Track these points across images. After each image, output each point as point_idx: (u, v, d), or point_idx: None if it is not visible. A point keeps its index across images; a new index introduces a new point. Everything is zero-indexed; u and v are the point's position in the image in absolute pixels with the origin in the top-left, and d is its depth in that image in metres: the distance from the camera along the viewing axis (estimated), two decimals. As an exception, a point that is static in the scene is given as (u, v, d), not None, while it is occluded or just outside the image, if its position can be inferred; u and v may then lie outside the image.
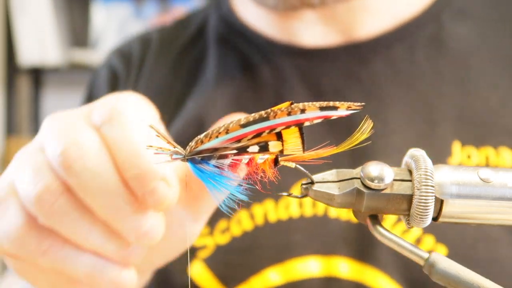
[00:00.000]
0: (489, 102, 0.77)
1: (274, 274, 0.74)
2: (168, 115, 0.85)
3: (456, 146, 0.75)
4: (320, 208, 0.75)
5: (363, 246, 0.73)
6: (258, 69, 0.84)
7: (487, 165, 0.74)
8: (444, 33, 0.82)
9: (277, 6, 0.81)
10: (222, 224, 0.76)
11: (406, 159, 0.45)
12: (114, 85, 0.93)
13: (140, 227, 0.47)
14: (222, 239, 0.76)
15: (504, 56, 0.81)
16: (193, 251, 0.77)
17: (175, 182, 0.48)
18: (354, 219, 0.73)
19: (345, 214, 0.75)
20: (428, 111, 0.78)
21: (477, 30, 0.82)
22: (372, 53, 0.81)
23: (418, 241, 0.72)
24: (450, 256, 0.70)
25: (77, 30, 2.36)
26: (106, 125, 0.49)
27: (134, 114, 0.50)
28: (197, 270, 0.75)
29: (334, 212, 0.75)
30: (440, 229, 0.72)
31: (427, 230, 0.72)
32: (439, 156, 0.74)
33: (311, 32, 0.83)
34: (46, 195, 0.48)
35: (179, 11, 2.31)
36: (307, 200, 0.75)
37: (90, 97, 0.95)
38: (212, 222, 0.76)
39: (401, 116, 0.78)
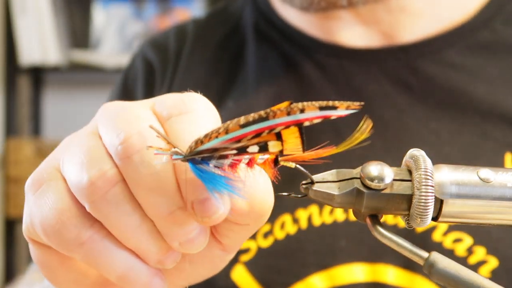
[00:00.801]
0: None
1: (318, 280, 0.72)
2: None
3: (509, 158, 0.73)
4: None
5: None
6: (301, 67, 0.82)
7: None
8: (497, 38, 0.79)
9: (303, 6, 0.78)
10: (265, 227, 0.75)
11: (406, 159, 0.45)
12: (151, 78, 0.90)
13: (186, 233, 0.44)
14: (264, 242, 0.74)
15: None
16: (235, 255, 0.75)
17: (228, 200, 0.43)
18: (401, 224, 0.72)
19: (391, 219, 0.72)
20: (480, 120, 0.75)
21: None
22: (421, 57, 0.79)
23: (470, 251, 0.71)
24: (501, 267, 0.69)
25: (77, 31, 2.36)
26: (174, 119, 0.45)
27: (204, 111, 0.46)
28: (239, 273, 0.74)
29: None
30: (492, 240, 0.71)
31: (478, 241, 0.71)
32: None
33: (352, 32, 0.80)
34: (100, 181, 0.43)
35: (179, 11, 2.31)
36: None
37: (125, 88, 0.92)
38: None
39: (452, 125, 0.75)
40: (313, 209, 0.74)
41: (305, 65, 0.82)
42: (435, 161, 0.74)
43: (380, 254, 0.72)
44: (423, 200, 0.42)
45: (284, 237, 0.74)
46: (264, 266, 0.74)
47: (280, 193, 0.45)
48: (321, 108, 0.36)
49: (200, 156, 0.39)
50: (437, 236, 0.72)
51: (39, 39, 2.22)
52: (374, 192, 0.43)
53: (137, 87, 0.90)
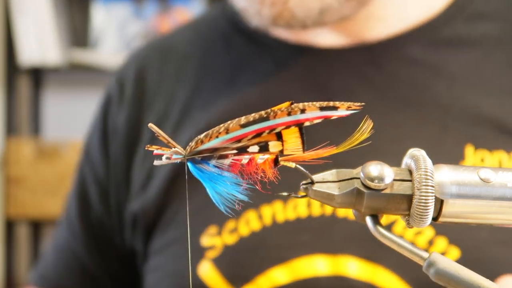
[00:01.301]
0: (504, 106, 0.77)
1: (280, 273, 0.74)
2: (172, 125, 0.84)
3: (469, 150, 0.75)
4: (329, 208, 0.75)
5: (373, 246, 0.71)
6: (269, 69, 0.83)
7: None
8: (458, 35, 0.80)
9: (290, 26, 0.79)
10: (230, 224, 0.76)
11: (406, 159, 0.45)
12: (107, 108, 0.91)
13: None
14: (230, 239, 0.76)
15: None
16: (201, 251, 0.76)
17: None
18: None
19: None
20: (441, 114, 0.77)
21: (495, 33, 0.81)
22: (385, 54, 0.80)
23: (430, 243, 0.72)
24: (463, 258, 0.70)
25: (77, 30, 2.36)
26: None
27: None
28: (205, 270, 0.75)
29: (343, 212, 0.74)
30: (454, 230, 0.72)
31: (440, 231, 0.72)
32: (452, 160, 0.73)
33: (319, 33, 0.82)
34: None
35: (179, 11, 2.31)
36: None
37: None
38: (220, 222, 0.76)
39: (414, 119, 0.77)
40: (277, 205, 0.75)
41: (272, 66, 0.83)
42: (395, 154, 0.75)
43: (342, 246, 0.73)
44: (423, 200, 0.42)
45: (249, 234, 0.75)
46: (229, 263, 0.75)
47: (280, 193, 0.45)
48: (322, 109, 0.36)
49: (200, 156, 0.39)
50: (398, 229, 0.73)
51: (38, 39, 2.22)
52: (374, 192, 0.43)
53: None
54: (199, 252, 0.76)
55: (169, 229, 0.81)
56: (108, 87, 0.92)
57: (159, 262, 0.81)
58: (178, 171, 0.80)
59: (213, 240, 0.76)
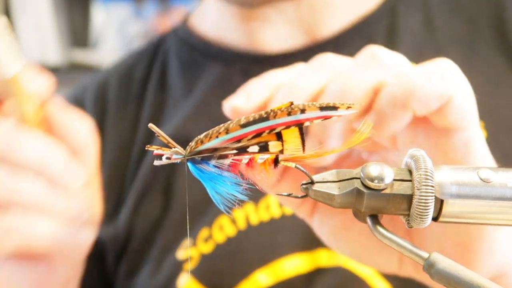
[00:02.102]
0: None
1: (263, 275, 0.75)
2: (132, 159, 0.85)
3: None
4: None
5: None
6: (227, 80, 0.84)
7: None
8: (398, 24, 0.84)
9: (240, 2, 0.81)
10: (204, 232, 0.77)
11: (406, 159, 0.45)
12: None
13: None
14: (206, 247, 0.76)
15: (456, 41, 0.83)
16: (178, 265, 0.77)
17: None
18: None
19: None
20: None
21: (428, 19, 0.85)
22: (335, 49, 0.82)
23: None
24: None
25: (77, 30, 2.36)
26: None
27: None
28: (185, 283, 0.76)
29: None
30: None
31: None
32: None
33: (275, 35, 0.83)
34: None
35: (179, 11, 2.31)
36: None
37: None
38: (193, 232, 0.77)
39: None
40: (249, 207, 0.76)
41: (231, 77, 0.84)
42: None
43: (316, 240, 0.74)
44: (423, 200, 0.42)
45: (225, 241, 0.76)
46: (209, 271, 0.76)
47: (280, 193, 0.45)
48: (322, 109, 0.36)
49: (200, 156, 0.39)
50: None
51: (38, 39, 2.22)
52: (374, 192, 0.43)
53: None
54: (176, 267, 0.77)
55: (143, 249, 0.81)
56: None
57: (141, 281, 0.81)
58: (144, 193, 0.81)
59: (188, 252, 0.77)
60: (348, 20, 0.84)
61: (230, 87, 0.84)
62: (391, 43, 0.83)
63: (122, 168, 0.85)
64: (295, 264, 0.74)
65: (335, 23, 0.84)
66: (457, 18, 0.85)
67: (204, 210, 0.77)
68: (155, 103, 0.88)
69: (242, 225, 0.76)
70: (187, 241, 0.77)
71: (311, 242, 0.75)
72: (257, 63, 0.84)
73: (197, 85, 0.86)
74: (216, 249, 0.76)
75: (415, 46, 0.83)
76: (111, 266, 0.85)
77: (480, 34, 0.84)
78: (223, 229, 0.76)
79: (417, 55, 0.81)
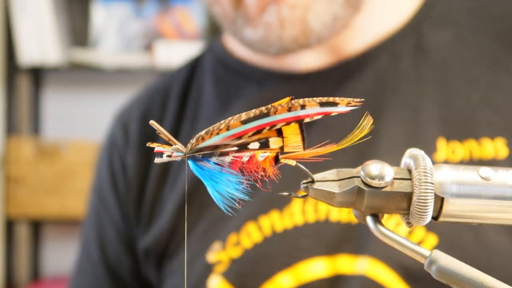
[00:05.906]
0: (470, 98, 0.82)
1: (285, 278, 0.79)
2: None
3: (441, 142, 0.80)
4: (322, 213, 0.80)
5: (361, 241, 0.78)
6: (257, 99, 0.88)
7: (471, 158, 0.79)
8: (424, 41, 0.86)
9: (278, 52, 0.84)
10: (232, 238, 0.82)
11: (406, 159, 0.45)
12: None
13: None
14: (234, 252, 0.81)
15: (484, 56, 0.85)
16: (210, 267, 0.82)
17: None
18: (354, 220, 0.78)
19: (345, 217, 0.79)
20: (413, 113, 0.82)
21: (457, 35, 0.87)
22: (360, 66, 0.85)
23: (410, 232, 0.77)
24: (440, 245, 0.75)
25: (77, 30, 2.36)
26: None
27: None
28: (216, 284, 0.81)
29: (335, 216, 0.79)
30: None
31: None
32: (425, 152, 0.77)
33: (304, 57, 0.86)
34: None
35: (179, 11, 2.31)
36: (309, 207, 0.80)
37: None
38: (222, 237, 0.82)
39: (389, 121, 0.82)
40: (274, 215, 0.81)
41: (258, 93, 0.88)
42: (376, 156, 0.78)
43: (337, 246, 0.79)
44: (422, 198, 0.42)
45: (252, 246, 0.81)
46: (237, 274, 0.81)
47: (280, 193, 0.45)
48: (322, 105, 0.36)
49: (200, 154, 0.39)
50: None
51: (38, 38, 2.22)
52: (374, 190, 0.43)
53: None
54: (207, 268, 0.82)
55: (179, 252, 0.87)
56: (111, 131, 0.97)
57: (172, 284, 0.86)
58: (183, 201, 0.86)
59: (219, 255, 0.82)
60: (373, 38, 0.86)
61: (263, 106, 0.87)
62: (418, 59, 0.85)
63: (160, 180, 0.90)
64: (316, 267, 0.79)
65: (360, 41, 0.86)
66: (486, 33, 0.86)
67: (230, 216, 0.79)
68: (191, 118, 0.92)
69: (267, 231, 0.81)
70: (217, 245, 0.83)
71: (332, 247, 0.79)
72: (288, 81, 0.87)
73: (232, 103, 0.90)
74: (244, 254, 0.81)
75: (443, 62, 0.85)
76: (151, 271, 0.90)
77: (509, 49, 0.85)
78: (250, 236, 0.81)
79: (445, 71, 0.84)
